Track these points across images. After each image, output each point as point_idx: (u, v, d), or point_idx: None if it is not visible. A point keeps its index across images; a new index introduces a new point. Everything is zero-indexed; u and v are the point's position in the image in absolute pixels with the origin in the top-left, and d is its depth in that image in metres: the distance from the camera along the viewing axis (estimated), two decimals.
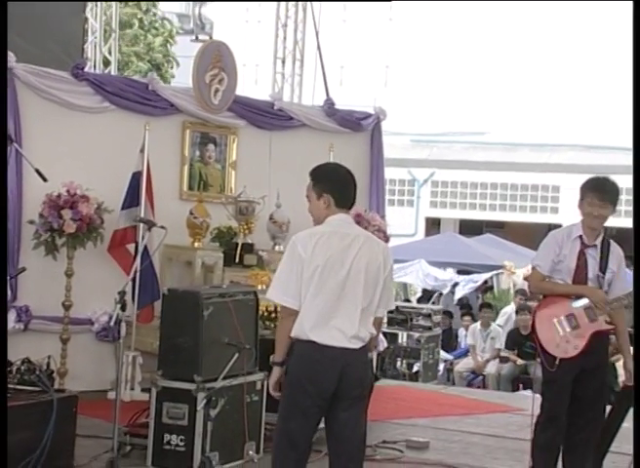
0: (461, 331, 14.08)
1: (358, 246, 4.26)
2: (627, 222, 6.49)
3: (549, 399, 5.48)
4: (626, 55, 23.33)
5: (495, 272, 16.99)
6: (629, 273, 5.75)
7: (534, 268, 5.63)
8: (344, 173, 4.52)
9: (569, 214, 19.87)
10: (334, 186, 4.44)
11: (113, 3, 12.83)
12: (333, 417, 4.22)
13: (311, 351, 4.15)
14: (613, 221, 5.52)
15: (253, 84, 15.35)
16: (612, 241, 5.56)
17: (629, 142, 21.59)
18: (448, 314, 15.15)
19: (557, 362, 5.42)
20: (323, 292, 4.17)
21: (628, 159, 22.33)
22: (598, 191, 5.41)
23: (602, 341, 5.59)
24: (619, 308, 5.50)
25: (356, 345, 4.16)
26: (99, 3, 12.25)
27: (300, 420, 4.19)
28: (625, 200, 16.99)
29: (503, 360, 12.35)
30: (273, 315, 7.25)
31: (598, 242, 5.48)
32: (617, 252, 5.55)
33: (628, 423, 6.02)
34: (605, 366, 5.87)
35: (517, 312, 12.72)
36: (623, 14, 21.08)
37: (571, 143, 21.11)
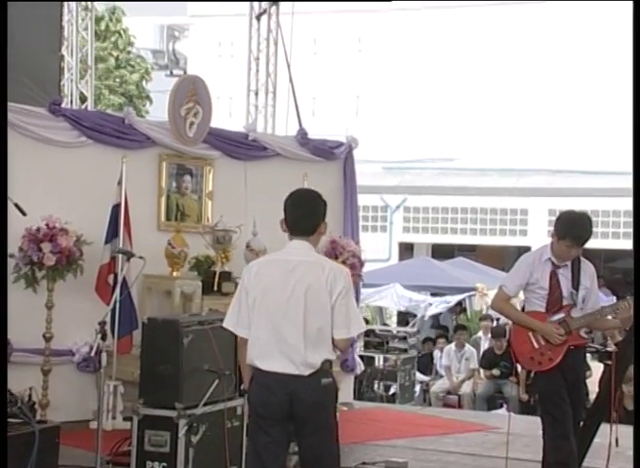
0: (437, 353, 14.09)
1: (300, 272, 4.20)
2: (601, 244, 6.54)
3: (551, 413, 5.46)
4: (589, 82, 23.55)
5: (467, 294, 17.04)
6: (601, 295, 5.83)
7: (500, 288, 5.70)
8: (298, 198, 4.45)
9: (537, 236, 20.01)
10: (287, 212, 4.44)
11: (88, 40, 12.83)
12: (299, 443, 4.23)
13: (260, 377, 4.18)
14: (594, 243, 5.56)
15: (227, 116, 15.44)
16: (582, 258, 5.62)
17: (593, 166, 21.79)
18: (430, 340, 15.18)
19: (532, 375, 5.48)
20: (263, 320, 4.18)
21: (592, 182, 22.53)
22: (578, 238, 5.45)
23: (578, 355, 5.64)
24: (598, 320, 5.57)
25: (304, 372, 4.10)
26: (74, 41, 12.26)
27: (264, 439, 4.17)
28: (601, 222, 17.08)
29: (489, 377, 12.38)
30: None
31: (569, 262, 5.53)
32: (589, 269, 5.62)
33: (599, 439, 6.05)
34: (583, 382, 5.93)
35: (494, 337, 12.73)
36: (584, 40, 21.38)
37: (537, 168, 21.26)
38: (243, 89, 13.23)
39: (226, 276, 7.96)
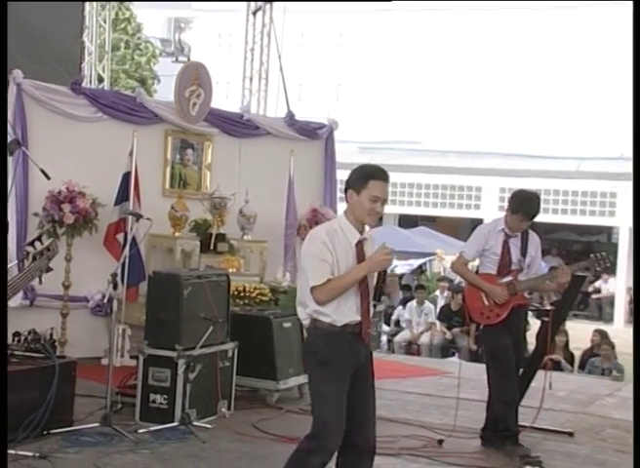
0: (399, 308, 14.17)
1: None
2: (542, 218, 6.52)
3: (496, 360, 5.53)
4: (540, 74, 23.41)
5: (428, 258, 17.13)
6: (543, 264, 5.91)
7: (460, 253, 5.75)
8: None
9: (489, 210, 20.08)
10: None
11: (106, 29, 12.68)
12: None
13: None
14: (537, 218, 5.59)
15: (225, 99, 15.29)
16: (530, 231, 5.67)
17: (538, 151, 21.78)
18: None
19: (481, 327, 5.56)
20: None
21: (536, 165, 22.55)
22: (528, 213, 5.49)
23: (521, 313, 5.71)
24: (539, 284, 5.64)
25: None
26: (94, 30, 12.14)
27: None
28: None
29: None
30: (242, 294, 7.27)
31: (519, 233, 5.59)
32: (534, 240, 5.68)
33: (535, 383, 6.13)
34: (524, 335, 6.01)
35: (456, 293, 12.73)
36: (541, 28, 21.28)
37: (491, 151, 21.28)
38: (239, 75, 13.14)
39: (221, 237, 7.95)
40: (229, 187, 8.11)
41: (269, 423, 5.94)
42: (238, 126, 8.89)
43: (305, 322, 3.82)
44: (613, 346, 10.61)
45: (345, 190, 3.83)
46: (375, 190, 3.73)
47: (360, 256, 3.77)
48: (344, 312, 3.73)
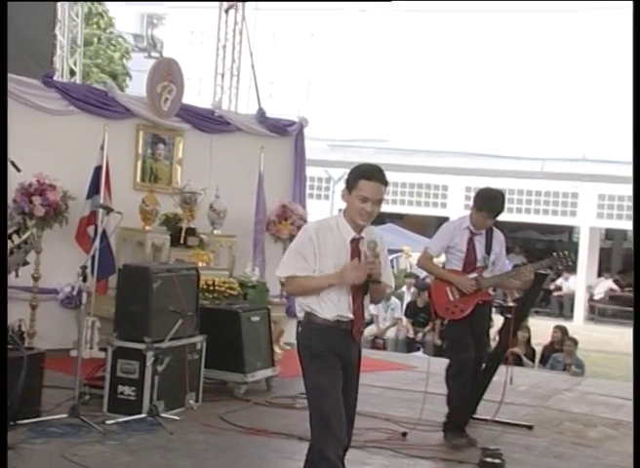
0: None
1: None
2: (506, 217, 6.57)
3: (455, 352, 5.58)
4: (505, 71, 23.52)
5: (395, 255, 17.18)
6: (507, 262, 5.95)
7: (425, 249, 5.78)
8: None
9: (455, 208, 20.21)
10: None
11: (78, 23, 12.53)
12: None
13: None
14: (501, 216, 5.62)
15: (197, 95, 15.23)
16: (495, 228, 5.71)
17: (503, 151, 21.92)
18: None
19: (446, 322, 5.59)
20: None
21: (501, 165, 22.74)
22: (493, 211, 5.53)
23: (485, 309, 5.75)
24: (503, 281, 5.67)
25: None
26: (66, 23, 11.99)
27: None
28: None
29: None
30: (211, 288, 7.24)
31: (483, 230, 5.63)
32: (499, 237, 5.72)
33: (497, 377, 6.20)
34: (487, 331, 6.06)
35: (422, 290, 12.81)
36: (505, 29, 21.43)
37: (457, 151, 21.42)
38: (211, 71, 13.07)
39: (191, 231, 7.92)
40: (200, 182, 8.07)
41: (237, 415, 5.93)
42: (209, 122, 8.85)
43: (300, 314, 3.77)
44: (576, 342, 10.75)
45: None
46: (364, 190, 3.68)
47: (355, 254, 3.72)
48: (333, 308, 3.69)
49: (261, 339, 6.85)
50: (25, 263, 4.65)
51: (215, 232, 8.25)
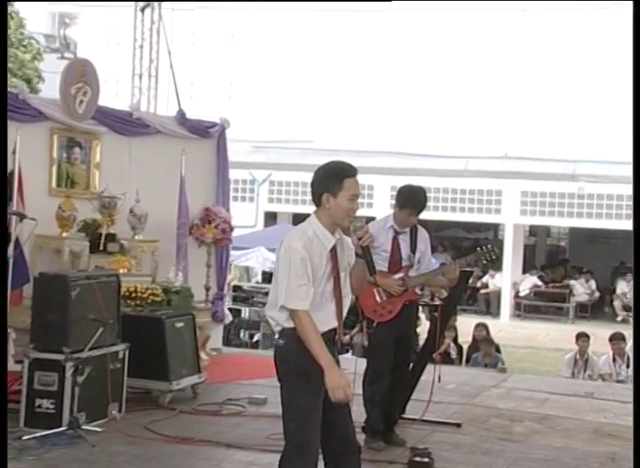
0: None
1: None
2: (432, 216, 6.67)
3: (375, 358, 5.63)
4: (429, 70, 23.80)
5: None
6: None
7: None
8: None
9: (381, 208, 20.40)
10: None
11: None
12: None
13: None
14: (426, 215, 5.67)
15: (114, 96, 14.96)
16: (419, 226, 5.79)
17: (431, 150, 22.25)
18: None
19: (374, 324, 5.63)
20: None
21: (427, 164, 23.07)
22: (415, 207, 5.61)
23: (412, 308, 5.82)
24: (430, 279, 5.74)
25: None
26: None
27: None
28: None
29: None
30: (133, 295, 7.16)
31: (408, 228, 5.69)
32: (423, 235, 5.79)
33: (425, 376, 6.29)
34: (414, 330, 6.13)
35: None
36: (434, 27, 21.78)
37: (383, 150, 21.66)
38: (128, 72, 12.91)
39: (111, 237, 7.81)
40: (119, 186, 7.96)
41: (162, 424, 5.88)
42: (128, 124, 8.73)
43: (280, 326, 3.62)
44: (492, 342, 10.97)
45: (316, 194, 3.64)
46: (352, 189, 3.60)
47: (334, 260, 3.63)
48: (323, 320, 3.61)
49: (187, 346, 6.81)
50: None
51: (136, 237, 8.15)
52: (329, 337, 3.65)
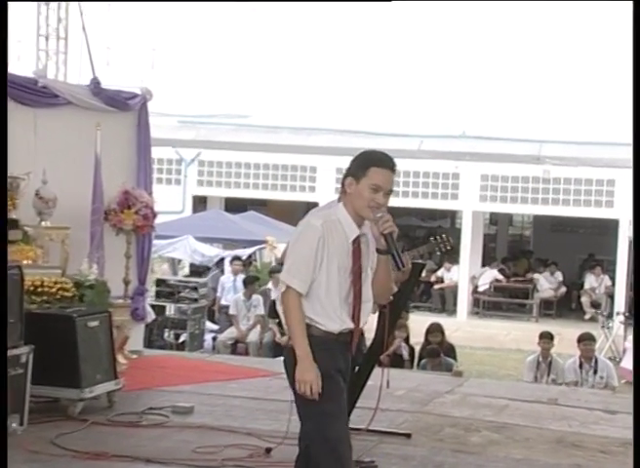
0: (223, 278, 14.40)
1: None
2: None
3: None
4: (381, 43, 23.94)
5: (258, 247, 17.25)
6: None
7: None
8: None
9: (325, 192, 20.49)
10: None
11: None
12: None
13: None
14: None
15: (15, 60, 14.65)
16: None
17: (381, 128, 22.41)
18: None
19: None
20: None
21: (375, 143, 23.19)
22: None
23: None
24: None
25: None
26: None
27: None
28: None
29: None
30: (40, 290, 7.07)
31: None
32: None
33: (372, 381, 6.32)
34: (362, 335, 6.15)
35: None
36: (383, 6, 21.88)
37: (327, 127, 21.69)
38: (33, 33, 12.66)
39: (13, 224, 7.65)
40: (22, 165, 7.82)
41: (71, 438, 5.83)
42: (32, 93, 8.56)
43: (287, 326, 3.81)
44: (438, 353, 10.87)
45: (344, 178, 3.82)
46: (376, 178, 3.73)
47: (356, 255, 3.79)
48: (340, 317, 3.80)
49: (101, 348, 6.75)
50: None
51: (43, 224, 8.03)
52: (344, 340, 3.81)
